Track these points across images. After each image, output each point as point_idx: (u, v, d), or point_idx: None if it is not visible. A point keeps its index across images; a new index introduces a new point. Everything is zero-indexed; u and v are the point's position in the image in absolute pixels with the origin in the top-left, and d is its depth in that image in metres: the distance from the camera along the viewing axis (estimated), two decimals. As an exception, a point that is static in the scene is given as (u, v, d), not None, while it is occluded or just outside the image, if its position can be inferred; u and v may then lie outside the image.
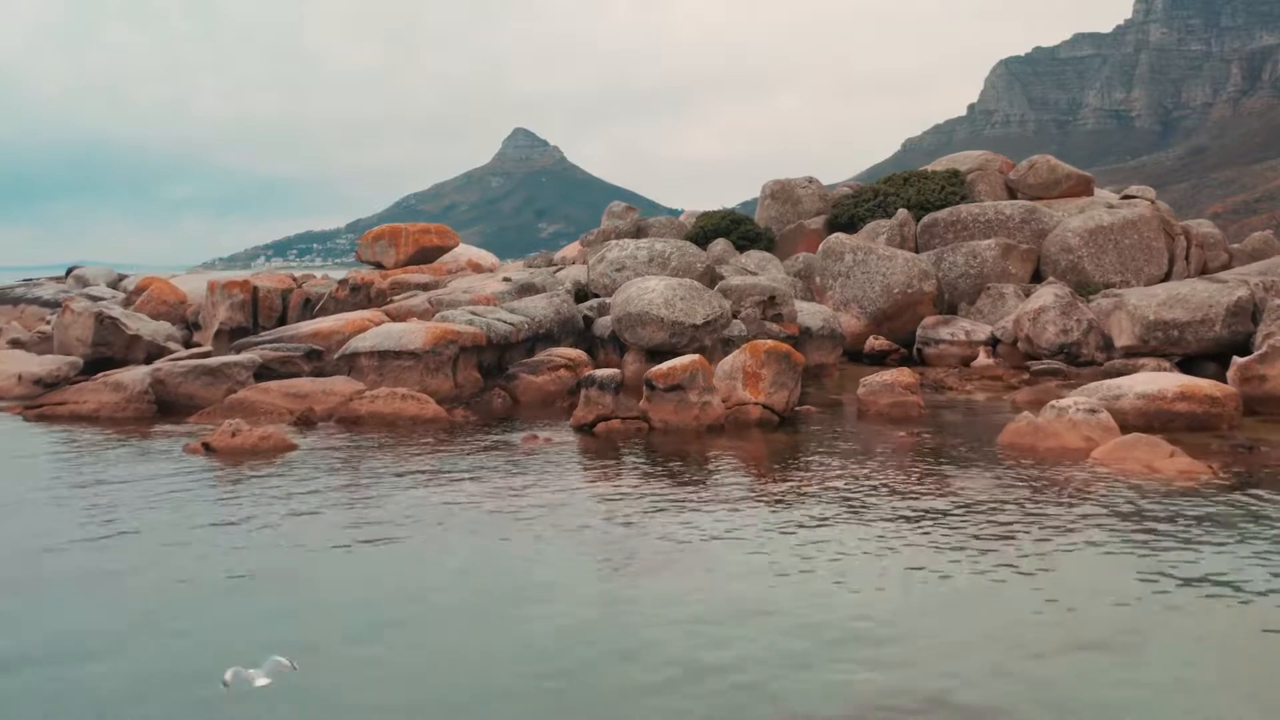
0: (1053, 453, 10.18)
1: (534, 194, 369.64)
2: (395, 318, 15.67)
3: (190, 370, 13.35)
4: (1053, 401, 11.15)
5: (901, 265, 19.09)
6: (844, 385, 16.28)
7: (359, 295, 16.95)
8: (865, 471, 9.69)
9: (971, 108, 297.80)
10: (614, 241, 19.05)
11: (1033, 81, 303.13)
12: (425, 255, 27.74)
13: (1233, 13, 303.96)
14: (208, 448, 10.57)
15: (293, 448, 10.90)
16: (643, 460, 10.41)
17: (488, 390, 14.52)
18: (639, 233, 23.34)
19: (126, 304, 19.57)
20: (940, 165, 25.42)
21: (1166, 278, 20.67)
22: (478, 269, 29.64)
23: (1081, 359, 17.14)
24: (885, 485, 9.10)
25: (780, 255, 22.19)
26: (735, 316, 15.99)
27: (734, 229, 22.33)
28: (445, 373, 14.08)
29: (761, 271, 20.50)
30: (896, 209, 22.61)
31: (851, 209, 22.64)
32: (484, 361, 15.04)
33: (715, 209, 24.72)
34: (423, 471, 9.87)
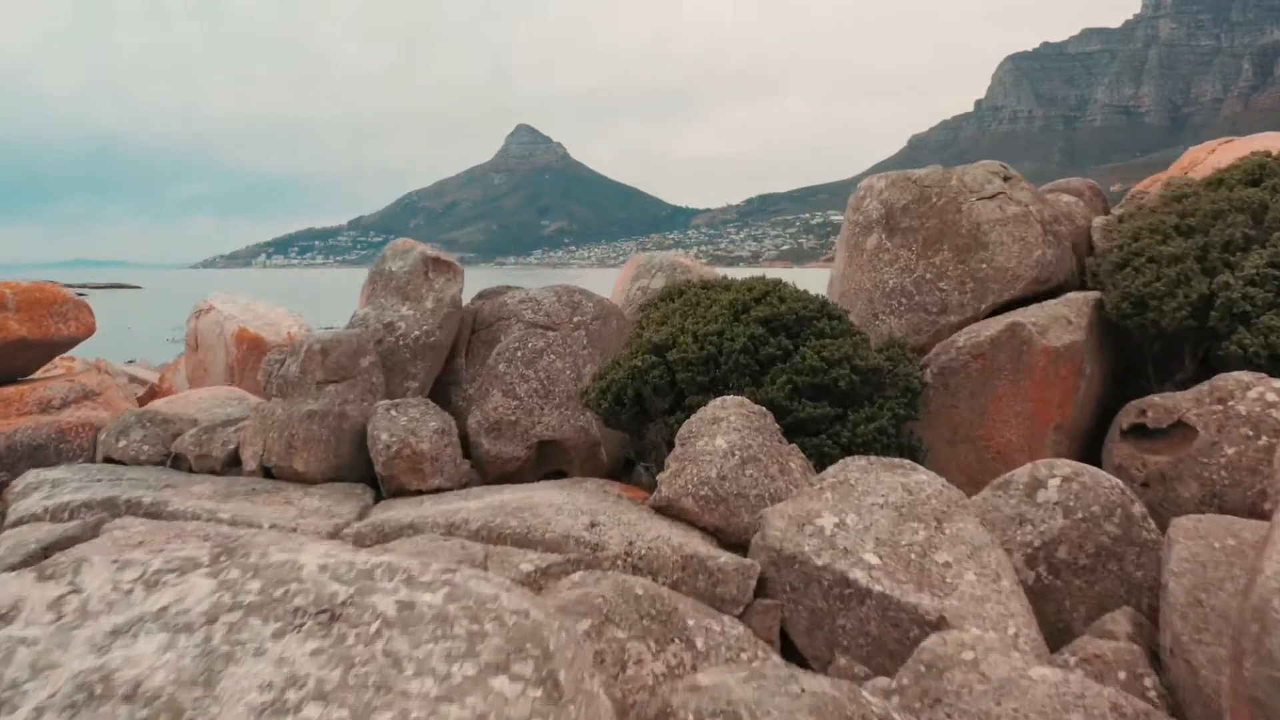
0: None
1: (537, 191, 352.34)
2: None
3: None
4: None
5: None
6: None
7: None
8: None
9: (979, 104, 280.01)
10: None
11: (1041, 77, 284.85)
12: None
13: (1243, 7, 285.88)
14: None
15: None
16: None
17: None
18: (474, 324, 7.05)
19: None
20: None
21: None
22: (254, 351, 13.00)
23: None
24: None
25: (939, 443, 5.82)
26: None
27: (777, 355, 5.59)
28: None
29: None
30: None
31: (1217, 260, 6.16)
32: None
33: (713, 277, 7.79)
34: None
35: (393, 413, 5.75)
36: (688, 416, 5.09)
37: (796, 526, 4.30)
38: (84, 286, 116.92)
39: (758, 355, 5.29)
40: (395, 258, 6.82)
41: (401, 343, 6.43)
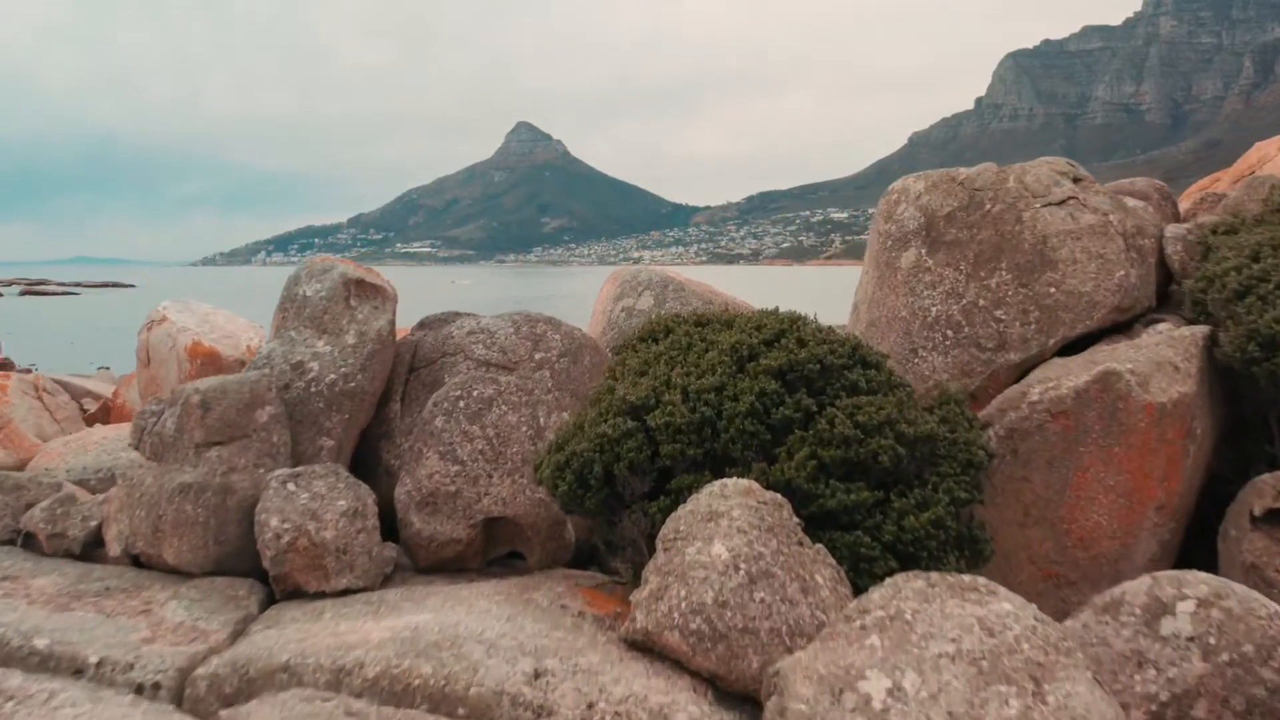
0: None
1: (537, 189, 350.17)
2: None
3: None
4: None
5: None
6: None
7: None
8: None
9: (979, 101, 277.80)
10: None
11: (1041, 75, 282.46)
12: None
13: (1244, 5, 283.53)
14: None
15: None
16: None
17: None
18: (412, 361, 5.64)
19: None
20: None
21: None
22: (210, 366, 11.57)
23: None
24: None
25: (1006, 526, 4.43)
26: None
27: (796, 419, 4.02)
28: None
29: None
30: None
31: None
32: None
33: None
34: None
35: (290, 487, 4.37)
36: (675, 504, 3.73)
37: (831, 695, 2.92)
38: (78, 285, 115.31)
39: (769, 420, 3.90)
40: (310, 279, 5.43)
41: (314, 389, 5.05)
